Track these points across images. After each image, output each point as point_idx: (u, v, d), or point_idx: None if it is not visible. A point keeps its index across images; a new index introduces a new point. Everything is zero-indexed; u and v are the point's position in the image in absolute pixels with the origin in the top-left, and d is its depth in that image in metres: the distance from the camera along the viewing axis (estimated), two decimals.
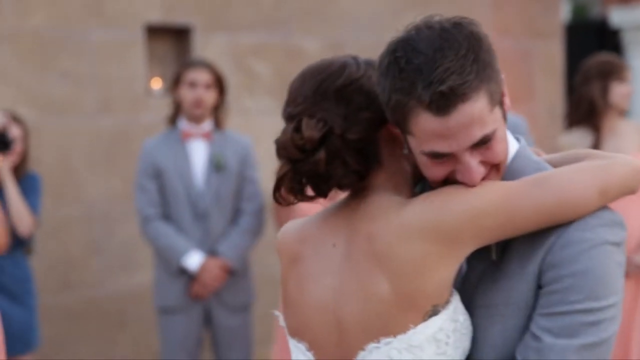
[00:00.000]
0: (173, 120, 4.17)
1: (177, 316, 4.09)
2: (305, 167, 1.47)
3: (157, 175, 4.07)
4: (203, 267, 4.01)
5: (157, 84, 5.20)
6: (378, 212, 1.47)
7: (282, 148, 1.49)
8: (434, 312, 1.40)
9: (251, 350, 4.29)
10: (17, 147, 4.02)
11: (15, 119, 4.08)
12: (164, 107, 4.65)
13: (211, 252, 4.07)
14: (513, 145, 1.53)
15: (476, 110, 1.38)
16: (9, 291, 3.98)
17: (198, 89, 4.06)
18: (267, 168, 4.99)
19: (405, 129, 1.45)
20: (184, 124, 4.14)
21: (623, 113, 4.12)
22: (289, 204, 1.53)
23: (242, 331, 4.21)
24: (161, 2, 5.05)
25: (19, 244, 4.00)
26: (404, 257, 1.40)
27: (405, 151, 1.51)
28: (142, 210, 4.07)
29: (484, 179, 1.45)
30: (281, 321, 1.61)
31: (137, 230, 4.48)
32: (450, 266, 1.41)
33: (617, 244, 1.43)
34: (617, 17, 8.92)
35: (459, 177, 1.44)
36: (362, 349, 1.43)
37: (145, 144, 4.17)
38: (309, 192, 1.53)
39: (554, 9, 6.75)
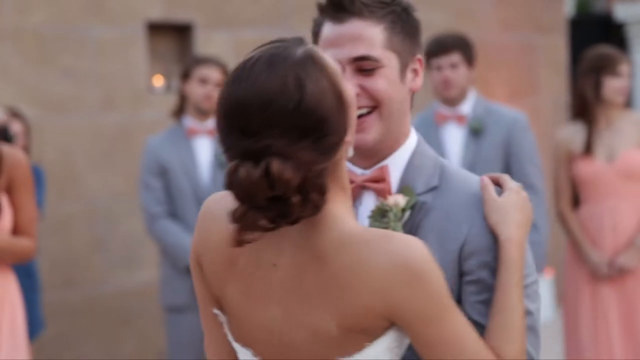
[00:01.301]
0: (178, 114, 4.14)
1: (185, 314, 4.06)
2: (272, 212, 1.27)
3: (162, 173, 4.04)
4: None
5: (158, 81, 5.18)
6: (327, 227, 1.33)
7: (246, 194, 1.25)
8: (383, 332, 1.33)
9: None
10: (19, 143, 4.02)
11: (16, 115, 4.09)
12: (166, 104, 4.64)
13: None
14: (413, 140, 1.56)
15: (369, 32, 1.49)
16: None
17: (208, 86, 4.04)
18: None
19: None
20: (189, 121, 4.11)
21: (620, 107, 4.00)
22: (251, 241, 1.32)
23: None
24: None
25: None
26: (356, 296, 1.29)
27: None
28: (148, 208, 4.04)
29: (366, 119, 1.49)
30: (221, 318, 1.47)
31: (140, 226, 4.47)
32: None
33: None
34: (621, 11, 8.89)
35: None
36: None
37: (149, 141, 4.13)
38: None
39: (558, 3, 6.73)
